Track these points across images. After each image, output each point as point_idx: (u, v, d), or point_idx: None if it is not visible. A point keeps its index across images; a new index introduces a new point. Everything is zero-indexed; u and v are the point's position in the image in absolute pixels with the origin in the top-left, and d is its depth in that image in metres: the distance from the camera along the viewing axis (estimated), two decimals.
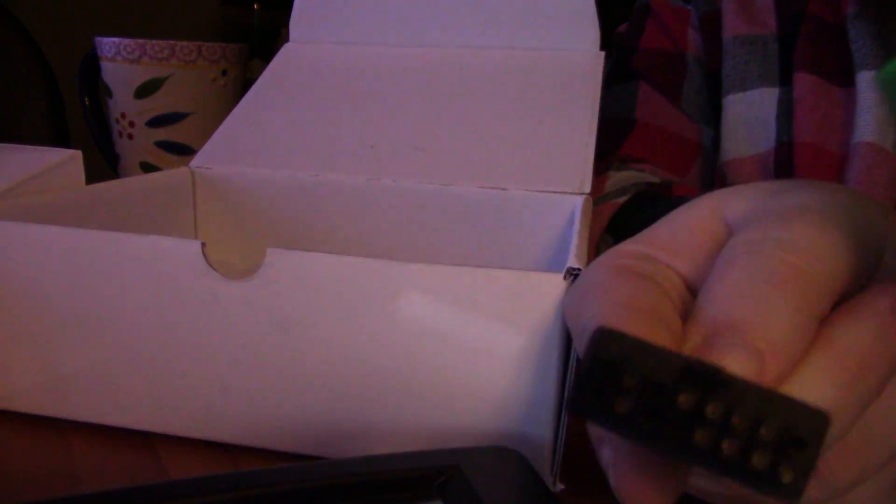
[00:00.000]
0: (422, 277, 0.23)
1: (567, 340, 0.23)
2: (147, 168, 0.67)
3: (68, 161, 0.35)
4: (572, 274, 0.22)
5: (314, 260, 0.24)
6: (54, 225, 0.26)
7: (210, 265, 0.25)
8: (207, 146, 0.41)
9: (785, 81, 0.47)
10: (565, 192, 0.35)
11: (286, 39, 0.48)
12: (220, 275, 0.25)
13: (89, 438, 0.27)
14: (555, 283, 0.22)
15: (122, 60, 0.65)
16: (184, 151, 0.66)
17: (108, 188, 0.35)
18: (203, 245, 0.25)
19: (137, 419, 0.27)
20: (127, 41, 0.64)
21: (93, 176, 0.37)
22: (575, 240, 0.26)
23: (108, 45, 0.65)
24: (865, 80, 0.42)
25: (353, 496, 0.19)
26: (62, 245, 0.26)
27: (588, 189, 0.35)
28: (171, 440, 0.27)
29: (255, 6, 1.08)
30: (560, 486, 0.24)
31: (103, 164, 0.70)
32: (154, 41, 0.63)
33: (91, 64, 0.68)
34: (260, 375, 0.25)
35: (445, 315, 0.23)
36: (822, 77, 0.45)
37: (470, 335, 0.23)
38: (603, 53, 0.42)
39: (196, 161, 0.40)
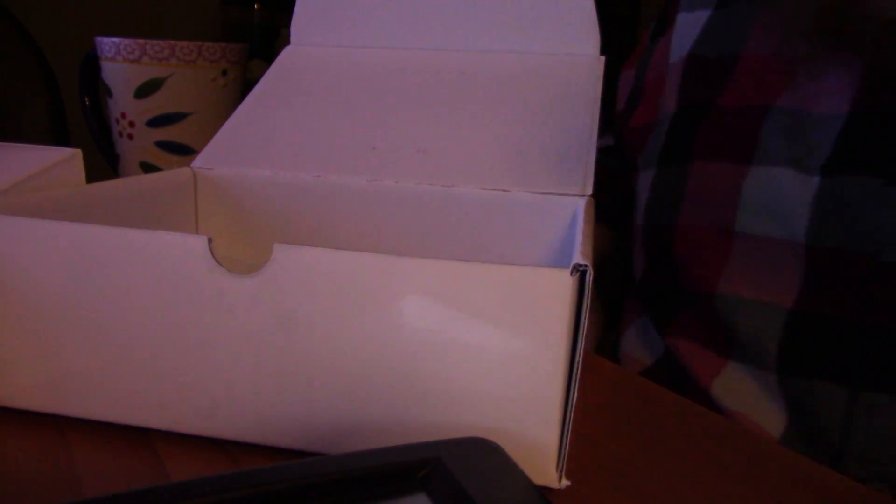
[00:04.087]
0: (429, 273, 0.23)
1: (573, 336, 0.23)
2: (147, 168, 0.67)
3: (68, 159, 0.34)
4: (578, 270, 0.22)
5: (321, 255, 0.24)
6: (57, 220, 0.26)
7: (216, 261, 0.25)
8: (209, 147, 0.41)
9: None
10: (567, 195, 0.35)
11: (286, 39, 0.48)
12: (227, 270, 0.24)
13: (90, 439, 0.27)
14: (562, 280, 0.22)
15: (122, 60, 0.65)
16: (184, 151, 0.66)
17: (108, 187, 0.35)
18: (209, 240, 0.25)
19: (140, 416, 0.27)
20: (127, 41, 0.64)
21: (93, 176, 0.37)
22: (579, 238, 0.26)
23: (108, 45, 0.65)
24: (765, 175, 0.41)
25: (336, 492, 0.19)
26: (66, 240, 0.26)
27: (590, 191, 0.35)
28: (171, 441, 0.27)
29: (255, 6, 1.08)
30: (566, 483, 0.24)
31: (103, 164, 0.70)
32: (154, 41, 0.63)
33: (91, 64, 0.68)
34: (264, 372, 0.25)
35: (452, 311, 0.23)
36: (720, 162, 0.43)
37: (476, 331, 0.23)
38: (603, 58, 0.42)
39: (197, 162, 0.40)
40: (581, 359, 0.23)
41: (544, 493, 0.19)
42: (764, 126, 0.40)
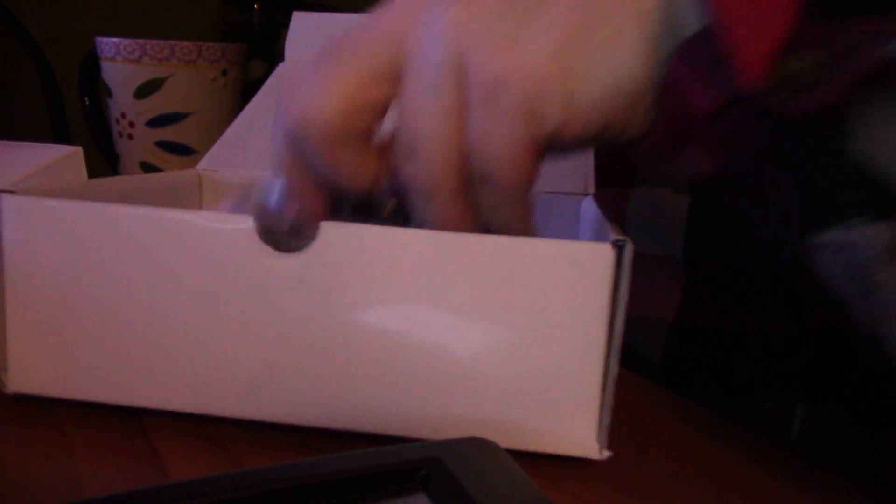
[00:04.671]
0: (476, 250, 0.24)
1: (612, 309, 0.24)
2: (147, 168, 0.67)
3: (69, 157, 0.34)
4: (618, 245, 0.23)
5: (368, 233, 0.24)
6: (97, 202, 0.26)
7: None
8: (214, 149, 0.41)
9: None
10: (570, 193, 0.35)
11: (286, 39, 0.48)
12: (273, 249, 0.25)
13: (90, 439, 0.26)
14: (603, 253, 0.23)
15: (122, 60, 0.65)
16: (184, 151, 0.66)
17: (113, 184, 0.34)
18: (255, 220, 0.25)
19: (182, 401, 0.27)
20: (127, 41, 0.64)
21: (93, 176, 0.37)
22: (606, 224, 0.27)
23: (108, 45, 0.65)
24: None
25: (336, 492, 0.19)
26: (104, 222, 0.25)
27: (592, 190, 0.35)
28: (171, 441, 0.27)
29: (255, 6, 1.08)
30: (607, 454, 0.25)
31: (103, 164, 0.70)
32: (154, 41, 0.63)
33: (91, 64, 0.68)
34: (307, 353, 0.25)
35: (497, 287, 0.24)
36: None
37: (519, 307, 0.24)
38: None
39: (203, 163, 0.41)
40: (621, 331, 0.24)
41: (544, 492, 0.19)
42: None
